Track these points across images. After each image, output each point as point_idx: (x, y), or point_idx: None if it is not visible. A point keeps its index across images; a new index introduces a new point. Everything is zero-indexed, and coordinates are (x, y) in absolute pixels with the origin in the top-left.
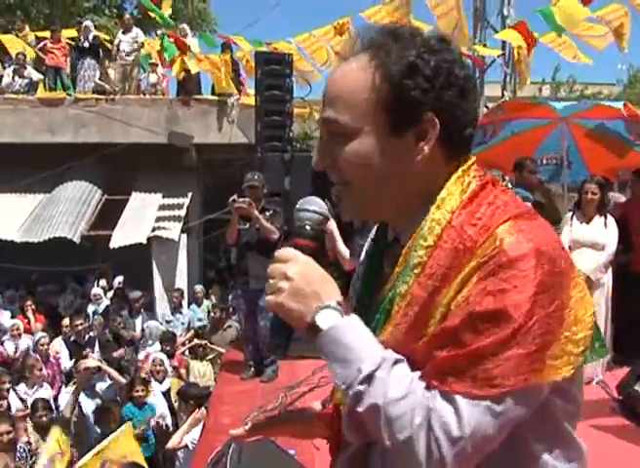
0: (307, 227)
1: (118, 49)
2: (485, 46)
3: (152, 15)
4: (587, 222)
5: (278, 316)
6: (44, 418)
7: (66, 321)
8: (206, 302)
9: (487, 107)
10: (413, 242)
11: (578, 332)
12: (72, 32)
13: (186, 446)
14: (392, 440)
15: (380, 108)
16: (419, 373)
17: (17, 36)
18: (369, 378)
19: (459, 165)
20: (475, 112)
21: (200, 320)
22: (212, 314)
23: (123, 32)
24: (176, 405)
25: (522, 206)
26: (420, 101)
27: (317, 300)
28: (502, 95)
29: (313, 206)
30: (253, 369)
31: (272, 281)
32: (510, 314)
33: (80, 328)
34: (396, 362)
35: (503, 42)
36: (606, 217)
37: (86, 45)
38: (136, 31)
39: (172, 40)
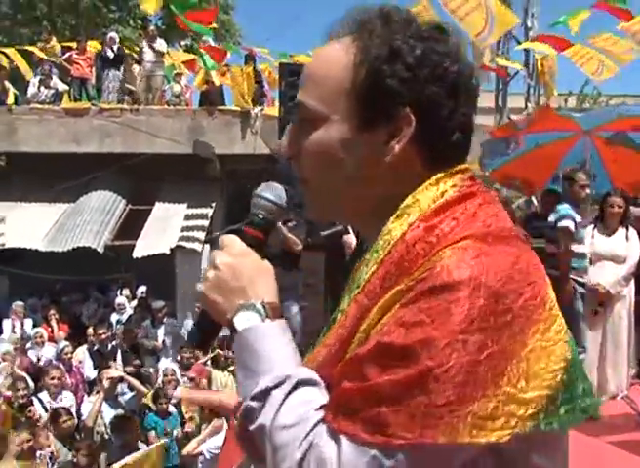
0: (260, 216)
1: (142, 59)
2: (508, 58)
3: (189, 27)
4: (609, 235)
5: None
6: (66, 427)
7: (90, 330)
8: None
9: (510, 119)
10: (366, 254)
11: (527, 390)
12: (97, 44)
13: (202, 454)
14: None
15: (353, 95)
16: (322, 402)
17: (43, 47)
18: (264, 395)
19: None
20: (468, 116)
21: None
22: None
23: (147, 43)
24: (186, 416)
25: (499, 226)
26: (397, 92)
27: (241, 297)
28: (526, 106)
29: (270, 194)
30: None
31: (206, 268)
32: (418, 353)
33: (104, 337)
34: (303, 383)
35: (526, 54)
36: (628, 230)
37: (110, 55)
38: (159, 42)
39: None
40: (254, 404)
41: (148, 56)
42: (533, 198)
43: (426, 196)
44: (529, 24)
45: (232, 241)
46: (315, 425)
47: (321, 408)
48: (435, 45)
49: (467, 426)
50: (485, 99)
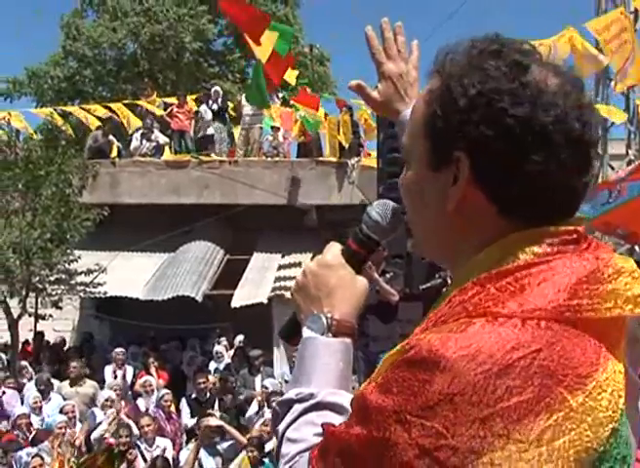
0: (364, 231)
1: (241, 113)
2: (607, 104)
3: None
4: None
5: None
6: None
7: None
8: None
9: (611, 166)
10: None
11: None
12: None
13: None
14: None
15: (423, 135)
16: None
17: (145, 102)
18: (287, 405)
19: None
20: (542, 164)
21: None
22: None
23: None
24: None
25: (544, 305)
26: (449, 136)
27: (315, 306)
28: (627, 153)
29: (375, 212)
30: None
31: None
32: (373, 418)
33: (202, 385)
34: (322, 406)
35: (627, 99)
36: None
37: (215, 108)
38: None
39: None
40: (279, 409)
41: (247, 108)
42: (637, 247)
43: (492, 256)
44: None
45: (331, 251)
46: (307, 449)
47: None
48: (498, 83)
49: None
50: None
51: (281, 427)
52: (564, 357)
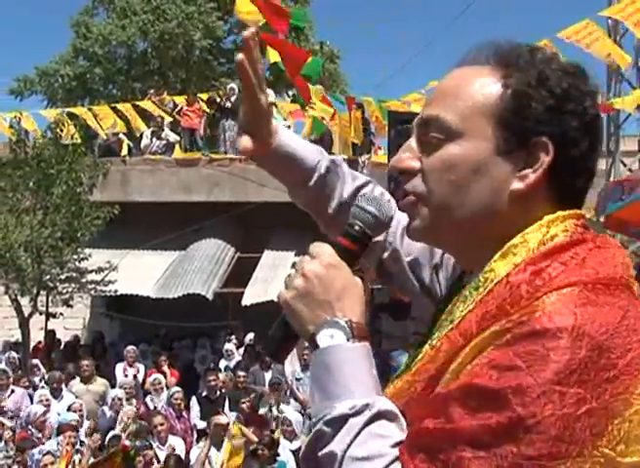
0: (356, 228)
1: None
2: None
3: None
4: None
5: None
6: None
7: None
8: None
9: (623, 163)
10: (465, 290)
11: (627, 455)
12: (207, 96)
13: None
14: None
15: (495, 117)
16: (399, 438)
17: (155, 100)
18: (339, 421)
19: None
20: (594, 162)
21: None
22: None
23: None
24: None
25: (609, 274)
26: (540, 119)
27: (327, 312)
28: (639, 149)
29: (371, 206)
30: None
31: (292, 274)
32: (510, 399)
33: (213, 383)
34: (381, 415)
35: None
36: None
37: (228, 105)
38: (268, 92)
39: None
40: (327, 429)
41: None
42: None
43: (535, 237)
44: None
45: (324, 250)
46: (391, 462)
47: (397, 444)
48: (579, 82)
49: None
50: None
51: (339, 447)
52: None
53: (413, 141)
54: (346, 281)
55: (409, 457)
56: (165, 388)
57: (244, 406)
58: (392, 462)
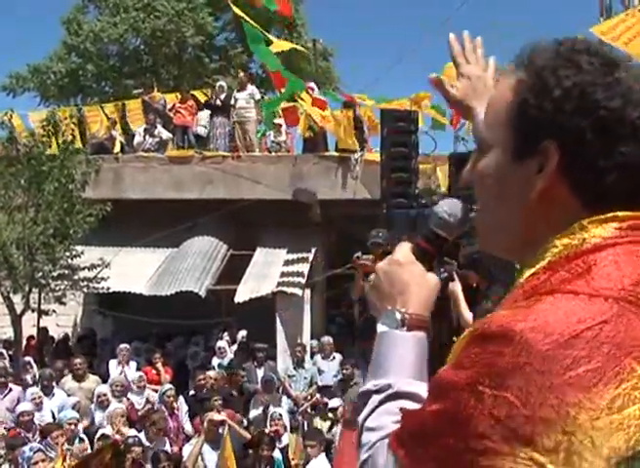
0: (434, 231)
1: (234, 107)
2: None
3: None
4: None
5: None
6: None
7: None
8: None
9: None
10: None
11: (561, 464)
12: (199, 93)
13: None
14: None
15: (508, 125)
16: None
17: (145, 98)
18: (366, 396)
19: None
20: (623, 156)
21: (336, 376)
22: (344, 370)
23: (238, 90)
24: (292, 463)
25: (609, 285)
26: (540, 125)
27: (389, 303)
28: None
29: (443, 211)
30: None
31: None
32: (446, 392)
33: (202, 382)
34: (399, 395)
35: None
36: None
37: (218, 103)
38: (251, 88)
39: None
40: (359, 401)
41: (240, 102)
42: None
43: (564, 242)
44: None
45: (400, 250)
46: (387, 436)
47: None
48: (592, 77)
49: None
50: None
51: (361, 417)
52: (630, 330)
53: (473, 153)
54: (413, 277)
55: (393, 435)
56: (149, 385)
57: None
58: (386, 436)
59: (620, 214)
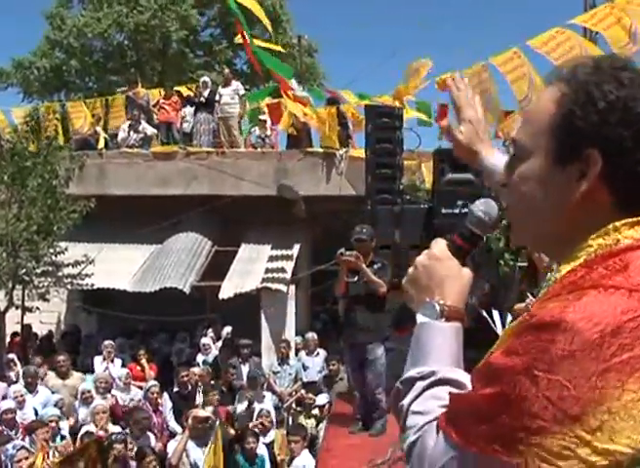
0: (468, 228)
1: (219, 102)
2: None
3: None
4: None
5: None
6: (152, 465)
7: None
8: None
9: None
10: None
11: (605, 441)
12: (184, 89)
13: None
14: (404, 442)
15: (551, 134)
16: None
17: (129, 94)
18: (409, 382)
19: None
20: None
21: (320, 372)
22: (330, 366)
23: (223, 86)
24: (279, 458)
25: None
26: (585, 134)
27: (427, 295)
28: None
29: (478, 210)
30: (361, 422)
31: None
32: (504, 378)
33: (185, 379)
34: (443, 381)
35: None
36: None
37: (202, 99)
38: (236, 84)
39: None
40: (401, 387)
41: (224, 98)
42: None
43: (598, 242)
44: None
45: (436, 245)
46: (434, 419)
47: (445, 406)
48: (632, 90)
49: (536, 458)
50: None
51: (406, 402)
52: None
53: (510, 157)
54: (450, 271)
55: (442, 416)
56: (135, 381)
57: (215, 398)
58: (435, 419)
59: None
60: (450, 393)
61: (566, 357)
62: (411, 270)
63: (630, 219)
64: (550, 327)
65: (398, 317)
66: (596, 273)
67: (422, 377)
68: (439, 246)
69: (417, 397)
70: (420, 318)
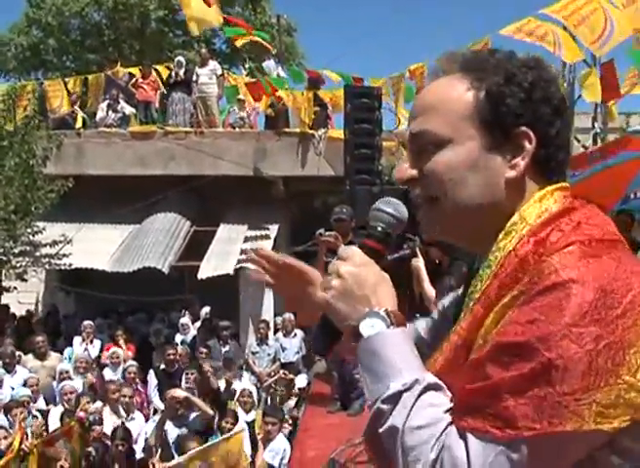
0: (379, 228)
1: (196, 82)
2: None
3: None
4: None
5: (326, 316)
6: (120, 448)
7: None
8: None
9: (577, 139)
10: (479, 272)
11: None
12: (163, 68)
13: None
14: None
15: (476, 119)
16: (449, 405)
17: (107, 73)
18: (395, 398)
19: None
20: (568, 136)
21: (297, 353)
22: (308, 347)
23: (200, 66)
24: (259, 437)
25: (601, 233)
26: (516, 112)
27: (365, 305)
28: (593, 126)
29: (390, 208)
30: (339, 402)
31: (328, 277)
32: (537, 347)
33: (171, 357)
34: (431, 387)
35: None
36: None
37: (178, 79)
38: (213, 64)
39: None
40: (384, 406)
41: (202, 78)
42: None
43: (532, 213)
44: None
45: (354, 252)
46: (446, 427)
47: (448, 410)
48: (542, 73)
49: (592, 414)
50: None
51: (398, 421)
52: (636, 265)
53: (408, 154)
54: (377, 276)
55: (459, 419)
56: (123, 362)
57: (191, 377)
58: (447, 426)
59: (563, 184)
60: (461, 390)
61: (590, 307)
62: (336, 282)
63: (551, 187)
64: (559, 286)
65: (320, 339)
66: (555, 235)
67: (408, 389)
68: (356, 253)
69: (410, 411)
70: (368, 330)
